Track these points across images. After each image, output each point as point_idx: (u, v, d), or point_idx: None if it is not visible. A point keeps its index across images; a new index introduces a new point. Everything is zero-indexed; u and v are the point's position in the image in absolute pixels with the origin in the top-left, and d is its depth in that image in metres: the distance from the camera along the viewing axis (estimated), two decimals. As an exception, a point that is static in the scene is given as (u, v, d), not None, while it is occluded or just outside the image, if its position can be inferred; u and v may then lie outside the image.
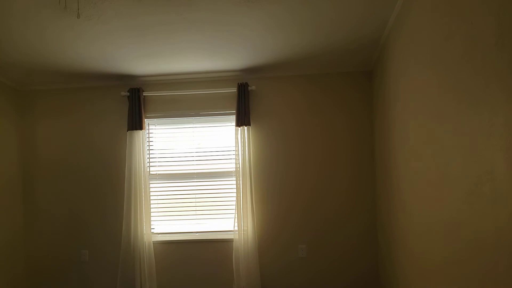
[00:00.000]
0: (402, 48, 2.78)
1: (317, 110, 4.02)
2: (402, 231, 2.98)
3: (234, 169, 3.97)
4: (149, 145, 4.19)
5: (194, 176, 4.14)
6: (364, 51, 3.52)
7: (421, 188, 2.51)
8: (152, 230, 4.13)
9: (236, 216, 3.90)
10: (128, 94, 4.04)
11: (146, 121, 4.18)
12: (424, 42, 2.33)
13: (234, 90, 3.99)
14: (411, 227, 2.72)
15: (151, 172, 4.18)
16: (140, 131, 4.01)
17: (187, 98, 4.13)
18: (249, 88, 3.96)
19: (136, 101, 4.02)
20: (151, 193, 4.16)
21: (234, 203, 4.00)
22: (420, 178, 2.55)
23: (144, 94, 4.08)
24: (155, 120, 4.20)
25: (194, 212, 4.12)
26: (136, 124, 4.00)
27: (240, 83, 3.94)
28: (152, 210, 4.14)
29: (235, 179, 3.96)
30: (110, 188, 4.14)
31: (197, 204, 4.12)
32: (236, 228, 3.90)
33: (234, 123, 4.03)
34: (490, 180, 1.63)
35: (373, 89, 3.93)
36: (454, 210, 1.99)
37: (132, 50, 3.37)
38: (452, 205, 2.00)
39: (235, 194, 3.96)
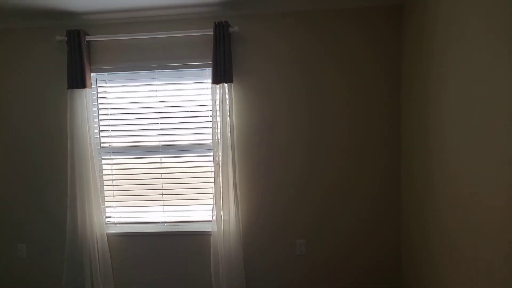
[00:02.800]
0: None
1: (319, 62, 2.95)
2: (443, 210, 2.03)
3: (212, 141, 2.96)
4: (98, 109, 3.16)
5: (160, 150, 3.15)
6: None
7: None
8: (108, 220, 3.21)
9: (215, 203, 2.95)
10: (66, 38, 2.95)
11: (93, 76, 3.12)
12: None
13: (209, 32, 2.90)
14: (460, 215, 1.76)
15: (102, 144, 3.18)
16: (84, 90, 2.97)
17: (147, 45, 3.04)
18: (230, 29, 2.87)
19: (77, 49, 2.94)
20: (104, 172, 3.19)
21: (212, 185, 3.04)
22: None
23: (88, 38, 2.99)
24: (105, 75, 3.14)
25: (161, 197, 3.17)
26: (77, 80, 2.96)
27: (218, 22, 2.84)
28: (106, 193, 3.20)
29: (212, 154, 2.97)
30: (50, 165, 3.17)
31: (165, 186, 3.16)
32: (214, 217, 2.97)
33: (210, 80, 2.99)
34: None
35: (404, 28, 2.84)
36: None
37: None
38: None
39: (213, 174, 3.00)
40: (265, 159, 3.05)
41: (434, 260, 2.26)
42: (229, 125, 2.91)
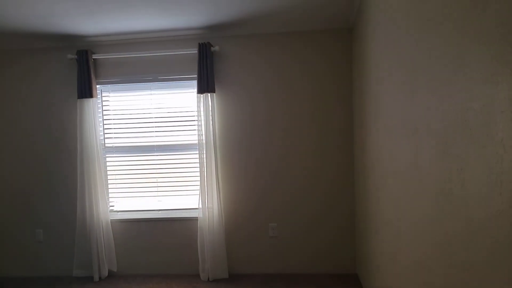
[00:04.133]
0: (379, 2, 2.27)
1: (288, 74, 3.53)
2: (377, 203, 2.60)
3: (197, 141, 3.54)
4: (102, 115, 3.75)
5: (155, 149, 3.73)
6: (342, 1, 2.97)
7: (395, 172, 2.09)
8: (111, 208, 3.79)
9: (201, 193, 3.53)
10: (76, 57, 3.55)
11: (98, 87, 3.71)
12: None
13: (195, 51, 3.48)
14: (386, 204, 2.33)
15: (106, 145, 3.77)
16: (91, 99, 3.56)
17: (143, 61, 3.63)
18: (212, 48, 3.45)
19: (85, 65, 3.54)
20: (108, 168, 3.77)
21: (198, 178, 3.63)
22: (393, 164, 2.13)
23: (94, 56, 3.58)
24: (108, 86, 3.73)
25: (156, 189, 3.76)
26: (86, 91, 3.54)
27: (201, 43, 3.42)
28: (110, 186, 3.78)
29: (198, 152, 3.55)
30: (63, 163, 3.75)
31: (159, 179, 3.75)
32: (200, 205, 3.54)
33: (196, 90, 3.57)
34: (460, 180, 1.21)
35: (353, 48, 3.41)
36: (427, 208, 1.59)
37: (70, 7, 2.86)
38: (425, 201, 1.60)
39: (199, 169, 3.57)
40: (243, 157, 3.62)
41: (372, 234, 2.82)
42: (211, 128, 3.49)
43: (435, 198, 1.45)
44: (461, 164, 1.22)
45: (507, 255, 0.97)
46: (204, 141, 3.49)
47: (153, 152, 3.73)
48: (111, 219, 3.72)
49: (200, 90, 3.46)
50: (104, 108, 3.75)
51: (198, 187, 3.61)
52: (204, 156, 3.50)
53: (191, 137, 3.69)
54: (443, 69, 1.34)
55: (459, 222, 1.25)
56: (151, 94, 3.70)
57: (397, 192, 2.03)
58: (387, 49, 2.15)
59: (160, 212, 3.76)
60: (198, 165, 3.64)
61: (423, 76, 1.55)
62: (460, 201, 1.23)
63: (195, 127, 3.65)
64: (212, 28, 3.41)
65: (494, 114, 1.01)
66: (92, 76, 3.56)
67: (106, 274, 3.67)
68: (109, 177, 3.78)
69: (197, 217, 3.63)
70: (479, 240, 1.12)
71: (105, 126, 3.76)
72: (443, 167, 1.36)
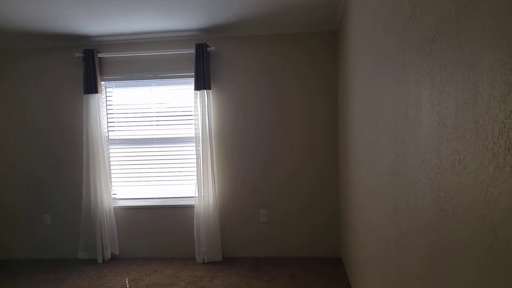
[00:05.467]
0: (358, 6, 2.56)
1: (279, 73, 3.82)
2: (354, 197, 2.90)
3: (194, 134, 3.83)
4: (107, 109, 4.04)
5: (155, 141, 4.03)
6: (328, 7, 3.26)
7: (365, 163, 2.39)
8: (114, 196, 4.08)
9: (197, 182, 3.82)
10: (82, 55, 3.83)
11: (103, 83, 4.00)
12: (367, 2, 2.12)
13: (192, 51, 3.77)
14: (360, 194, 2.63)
15: (110, 137, 4.06)
16: (96, 95, 3.84)
17: (145, 60, 3.92)
18: (208, 49, 3.74)
19: (91, 63, 3.82)
20: (111, 158, 4.07)
21: (195, 169, 3.92)
22: (364, 152, 2.43)
23: (100, 55, 3.87)
24: (112, 82, 4.02)
25: (156, 178, 4.05)
26: (91, 87, 3.83)
27: (198, 44, 3.71)
28: (113, 175, 4.08)
29: (195, 144, 3.84)
30: (70, 154, 4.04)
31: (159, 169, 4.04)
32: (196, 194, 3.84)
33: (193, 87, 3.86)
34: (404, 161, 1.51)
35: (338, 50, 3.70)
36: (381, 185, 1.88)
37: (79, 10, 3.15)
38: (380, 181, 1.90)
39: (195, 160, 3.87)
40: (236, 148, 3.91)
41: (351, 219, 3.12)
42: (207, 122, 3.78)
43: (390, 178, 1.75)
44: (404, 148, 1.51)
45: (432, 215, 1.28)
46: (200, 134, 3.78)
47: (153, 144, 4.03)
48: (113, 206, 4.01)
49: (197, 87, 3.75)
50: (108, 103, 4.04)
51: (195, 177, 3.90)
52: (201, 148, 3.79)
53: (189, 131, 3.98)
54: (394, 71, 1.64)
55: (403, 197, 1.55)
56: (151, 90, 3.99)
57: (367, 180, 2.33)
58: (361, 52, 2.45)
59: (159, 200, 4.06)
60: (195, 156, 3.93)
61: (382, 77, 1.84)
62: (403, 178, 1.53)
63: (192, 121, 3.94)
64: (208, 30, 3.69)
65: (421, 107, 1.31)
66: (97, 73, 3.84)
67: (109, 256, 3.97)
68: (112, 167, 4.07)
69: (193, 205, 3.93)
70: (414, 210, 1.42)
71: (109, 120, 4.05)
72: (393, 151, 1.66)
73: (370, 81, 2.13)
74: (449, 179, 1.07)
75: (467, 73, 0.95)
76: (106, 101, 4.04)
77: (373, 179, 2.12)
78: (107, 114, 4.04)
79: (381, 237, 1.94)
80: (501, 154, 0.79)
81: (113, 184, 4.09)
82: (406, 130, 1.48)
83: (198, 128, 3.79)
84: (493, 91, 0.82)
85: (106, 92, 4.04)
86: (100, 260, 3.91)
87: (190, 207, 3.98)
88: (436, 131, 1.17)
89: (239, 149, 3.91)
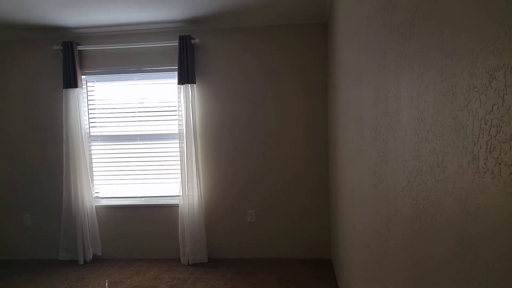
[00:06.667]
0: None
1: (269, 67, 3.66)
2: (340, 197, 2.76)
3: (178, 131, 3.68)
4: (88, 104, 3.88)
5: (138, 138, 3.88)
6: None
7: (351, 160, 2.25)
8: (96, 194, 3.94)
9: (181, 181, 3.68)
10: (61, 48, 3.67)
11: (84, 78, 3.85)
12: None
13: (176, 43, 3.62)
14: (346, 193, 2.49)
15: (91, 133, 3.91)
16: (76, 89, 3.69)
17: (127, 53, 3.76)
18: (192, 41, 3.58)
19: (70, 56, 3.66)
20: (93, 156, 3.92)
21: (179, 166, 3.77)
22: (349, 150, 2.29)
23: (79, 48, 3.71)
24: (93, 77, 3.86)
25: (139, 176, 3.90)
26: (71, 81, 3.67)
27: (182, 36, 3.55)
28: (95, 173, 3.93)
29: (179, 141, 3.70)
30: (50, 151, 3.89)
31: (142, 167, 3.89)
32: (181, 193, 3.69)
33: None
34: (385, 161, 1.37)
35: (327, 44, 3.54)
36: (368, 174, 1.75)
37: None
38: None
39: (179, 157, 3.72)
40: (223, 146, 3.76)
41: (339, 219, 2.99)
42: (191, 118, 3.63)
43: (372, 180, 1.60)
44: (384, 147, 1.37)
45: (411, 223, 1.13)
46: (184, 131, 3.63)
47: (136, 141, 3.88)
48: (96, 205, 3.87)
49: (181, 81, 3.60)
50: (89, 98, 3.89)
51: (179, 175, 3.76)
52: (185, 145, 3.65)
53: (173, 127, 3.83)
54: (376, 62, 1.49)
55: (383, 201, 1.40)
56: (134, 85, 3.83)
57: (351, 181, 2.19)
58: (347, 42, 2.29)
59: (142, 199, 3.92)
60: (179, 154, 3.78)
61: (365, 69, 1.70)
62: (383, 180, 1.39)
63: (176, 117, 3.79)
64: (193, 21, 3.53)
65: (400, 101, 1.16)
66: (77, 66, 3.69)
67: (91, 257, 3.83)
68: (94, 164, 3.92)
69: (178, 204, 3.78)
70: (393, 217, 1.28)
71: (90, 115, 3.90)
72: (375, 151, 1.52)
73: (355, 73, 1.98)
74: (428, 184, 0.93)
75: (445, 61, 0.80)
76: (87, 96, 3.88)
77: (357, 180, 1.98)
78: (88, 109, 3.89)
79: (365, 244, 1.80)
80: (481, 156, 0.65)
81: (95, 182, 3.94)
82: (386, 127, 1.34)
83: (182, 124, 3.64)
84: (473, 80, 0.67)
85: (87, 86, 3.88)
86: (81, 262, 3.77)
87: (175, 206, 3.84)
88: (415, 128, 1.03)
89: (226, 146, 3.76)
